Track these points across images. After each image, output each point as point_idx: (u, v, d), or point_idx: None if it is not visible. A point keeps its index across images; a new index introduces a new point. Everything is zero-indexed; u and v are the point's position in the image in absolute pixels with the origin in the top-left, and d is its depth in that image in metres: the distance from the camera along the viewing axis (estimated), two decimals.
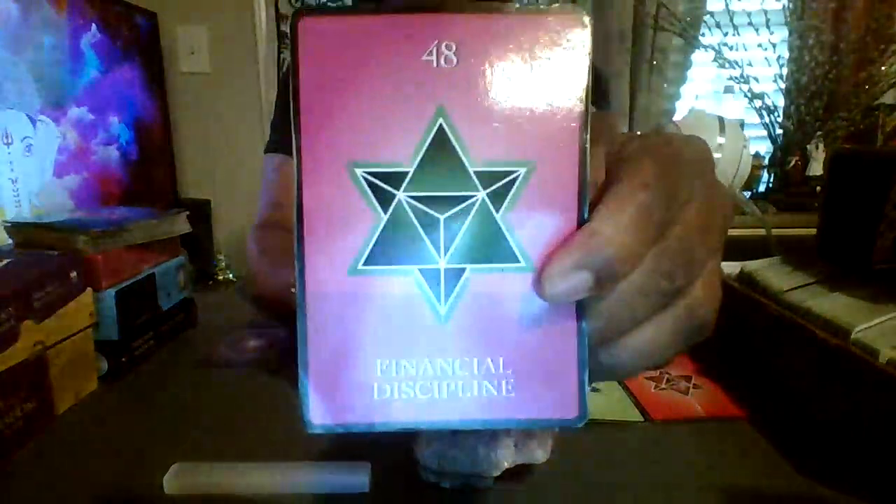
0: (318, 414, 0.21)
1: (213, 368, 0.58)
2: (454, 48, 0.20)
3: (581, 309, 0.20)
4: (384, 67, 0.20)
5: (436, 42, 0.20)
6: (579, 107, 0.20)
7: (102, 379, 0.55)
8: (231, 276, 1.86)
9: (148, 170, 1.66)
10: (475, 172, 0.20)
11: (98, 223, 0.55)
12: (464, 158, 0.20)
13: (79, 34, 1.37)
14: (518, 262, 0.20)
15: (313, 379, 0.20)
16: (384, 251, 0.20)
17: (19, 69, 1.20)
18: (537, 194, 0.20)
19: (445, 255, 0.20)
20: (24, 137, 1.21)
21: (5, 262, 0.48)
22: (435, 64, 0.20)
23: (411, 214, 0.20)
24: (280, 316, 0.70)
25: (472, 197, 0.20)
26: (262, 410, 0.50)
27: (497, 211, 0.20)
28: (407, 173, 0.20)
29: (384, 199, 0.20)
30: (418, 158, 0.20)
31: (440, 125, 0.20)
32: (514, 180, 0.20)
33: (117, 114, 1.52)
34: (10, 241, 0.57)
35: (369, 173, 0.20)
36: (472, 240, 0.20)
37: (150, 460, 0.41)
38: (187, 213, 0.66)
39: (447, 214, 0.20)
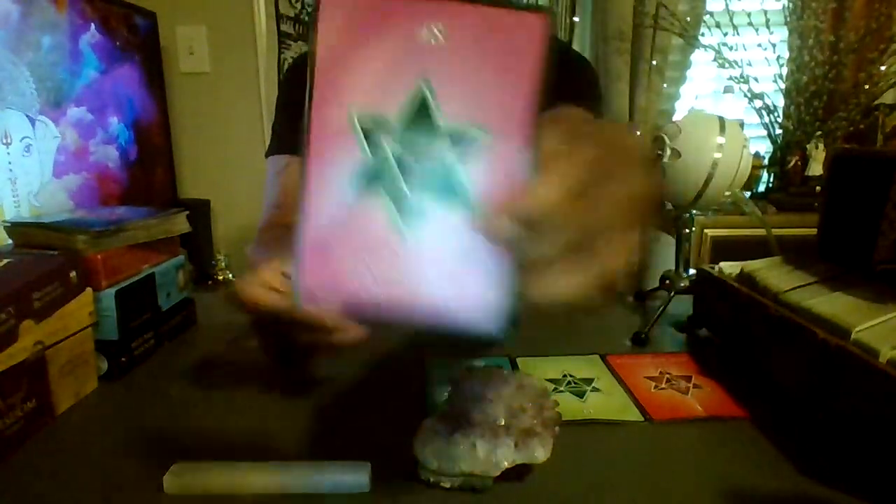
0: (305, 297, 0.27)
1: (213, 368, 0.58)
2: (443, 30, 0.25)
3: (512, 248, 0.24)
4: (387, 36, 0.25)
5: (430, 22, 0.25)
6: (535, 88, 0.25)
7: (102, 379, 0.55)
8: (231, 276, 1.86)
9: (147, 170, 1.66)
10: (446, 131, 0.25)
11: (98, 223, 0.55)
12: (438, 119, 0.25)
13: (78, 34, 1.37)
14: (469, 204, 0.25)
15: (304, 273, 0.26)
16: (367, 183, 0.26)
17: (19, 69, 1.20)
18: (492, 155, 0.25)
19: (414, 192, 0.26)
20: (24, 137, 1.21)
21: (5, 262, 0.48)
22: (427, 40, 0.25)
23: (391, 158, 0.25)
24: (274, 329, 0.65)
25: (441, 150, 0.25)
26: (262, 410, 0.50)
27: (459, 164, 0.25)
28: (392, 124, 0.25)
29: (372, 144, 0.25)
30: (402, 114, 0.25)
31: (423, 89, 0.25)
32: (475, 141, 0.25)
33: (116, 114, 1.52)
34: (10, 241, 0.57)
35: (363, 118, 0.25)
36: (436, 184, 0.25)
37: (150, 460, 0.41)
38: (187, 212, 0.66)
39: (419, 161, 0.25)
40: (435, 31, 0.25)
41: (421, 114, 0.25)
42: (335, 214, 0.26)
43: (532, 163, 0.25)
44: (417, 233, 0.26)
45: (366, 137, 0.25)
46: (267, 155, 0.87)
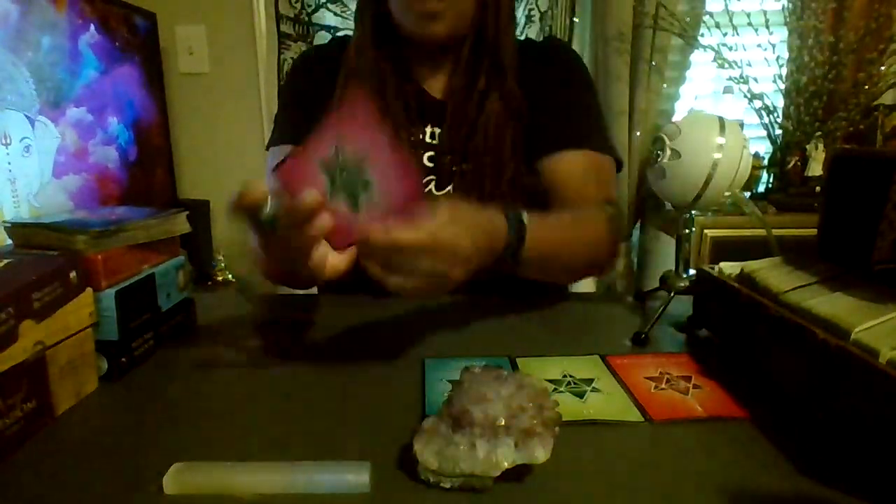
0: (279, 178, 0.50)
1: (213, 368, 0.58)
2: (380, 141, 0.48)
3: (370, 251, 0.47)
4: (357, 128, 0.48)
5: (377, 137, 0.48)
6: (415, 177, 0.51)
7: (102, 379, 0.55)
8: (230, 276, 1.86)
9: (147, 170, 1.66)
10: (363, 172, 0.48)
11: (97, 223, 0.55)
12: (363, 165, 0.48)
13: (78, 34, 1.37)
14: (361, 212, 0.49)
15: (286, 172, 0.50)
16: (326, 171, 0.49)
17: (18, 69, 1.20)
18: (376, 199, 0.48)
19: (339, 188, 0.49)
20: (23, 138, 1.21)
21: (5, 262, 0.48)
22: (367, 139, 0.48)
23: (338, 167, 0.48)
24: (287, 277, 0.73)
25: (357, 177, 0.48)
26: (262, 410, 0.50)
27: (363, 191, 0.48)
28: (347, 157, 0.48)
29: (337, 158, 0.48)
30: (354, 153, 0.48)
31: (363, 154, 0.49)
32: (371, 187, 0.48)
33: (116, 114, 1.52)
34: (10, 241, 0.57)
35: (339, 147, 0.48)
36: (349, 190, 0.49)
37: (150, 460, 0.41)
38: (187, 212, 0.66)
39: (349, 178, 0.48)
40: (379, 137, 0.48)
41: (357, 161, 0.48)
42: (309, 173, 0.48)
43: (394, 213, 0.47)
44: (333, 202, 0.48)
45: (336, 153, 0.48)
46: (268, 147, 0.86)
